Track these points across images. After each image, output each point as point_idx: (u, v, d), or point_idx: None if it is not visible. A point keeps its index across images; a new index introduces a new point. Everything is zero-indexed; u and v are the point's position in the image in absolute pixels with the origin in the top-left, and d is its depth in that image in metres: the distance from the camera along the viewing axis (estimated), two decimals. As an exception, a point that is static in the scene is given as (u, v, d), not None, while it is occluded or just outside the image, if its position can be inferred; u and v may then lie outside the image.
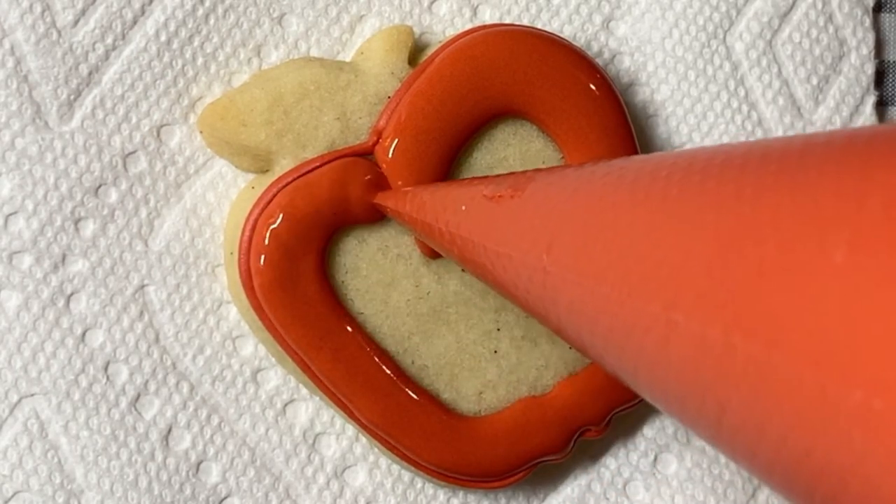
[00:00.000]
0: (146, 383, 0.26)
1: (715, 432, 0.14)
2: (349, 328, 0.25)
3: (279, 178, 0.25)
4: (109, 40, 0.26)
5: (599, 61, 0.28)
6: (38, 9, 0.26)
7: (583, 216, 0.18)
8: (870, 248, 0.12)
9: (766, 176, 0.14)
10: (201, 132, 0.27)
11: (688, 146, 0.29)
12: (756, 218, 0.14)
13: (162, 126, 0.27)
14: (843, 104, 0.30)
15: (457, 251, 0.22)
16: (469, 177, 0.26)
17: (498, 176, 0.22)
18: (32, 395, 0.26)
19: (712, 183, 0.15)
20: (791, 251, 0.13)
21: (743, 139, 0.29)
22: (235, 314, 0.27)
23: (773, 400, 0.13)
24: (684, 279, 0.15)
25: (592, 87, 0.26)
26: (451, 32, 0.28)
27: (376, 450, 0.27)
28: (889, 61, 0.31)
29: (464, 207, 0.22)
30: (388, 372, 0.25)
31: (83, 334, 0.26)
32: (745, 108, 0.29)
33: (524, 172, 0.22)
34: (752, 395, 0.13)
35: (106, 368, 0.26)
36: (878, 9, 0.31)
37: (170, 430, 0.26)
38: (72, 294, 0.26)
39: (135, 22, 0.27)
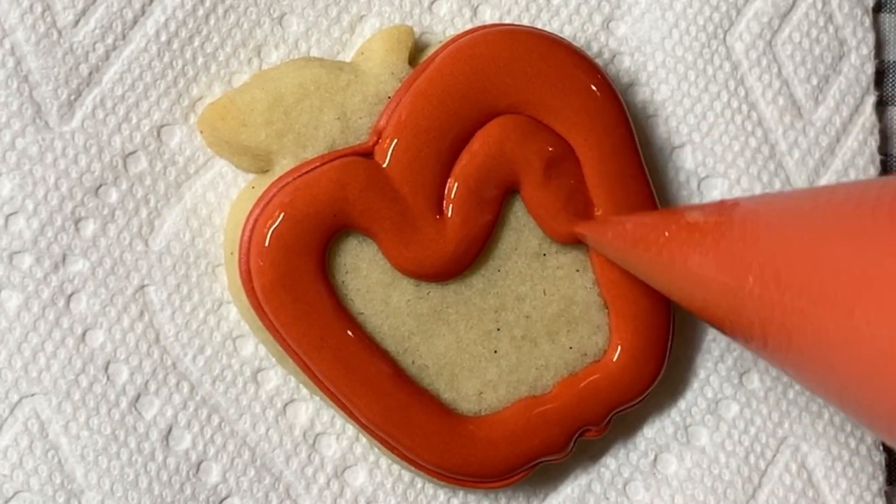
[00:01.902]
0: (146, 383, 0.26)
1: None
2: (349, 328, 0.25)
3: (279, 178, 0.25)
4: (110, 40, 0.26)
5: (599, 61, 0.28)
6: (38, 9, 0.26)
7: (788, 242, 0.19)
8: None
9: None
10: (201, 132, 0.27)
11: (688, 146, 0.29)
12: None
13: (162, 126, 0.27)
14: (843, 104, 0.30)
15: (659, 276, 0.23)
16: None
17: (701, 204, 0.23)
18: (33, 394, 0.26)
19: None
20: None
21: (743, 139, 0.29)
22: (236, 314, 0.27)
23: None
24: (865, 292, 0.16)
25: (592, 87, 0.26)
26: (451, 32, 0.28)
27: (376, 450, 0.27)
28: (889, 61, 0.31)
29: (667, 233, 0.23)
30: (388, 372, 0.25)
31: (83, 334, 0.26)
32: (745, 108, 0.29)
33: (728, 200, 0.23)
34: None
35: (106, 368, 0.26)
36: (878, 9, 0.31)
37: (170, 430, 0.26)
38: (72, 294, 0.26)
39: (135, 22, 0.27)
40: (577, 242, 0.26)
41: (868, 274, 0.17)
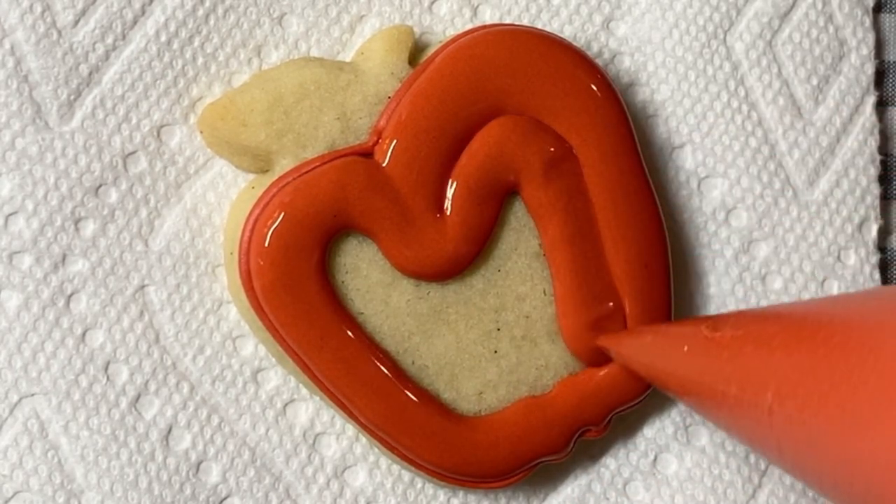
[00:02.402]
0: (146, 383, 0.26)
1: None
2: (349, 328, 0.25)
3: (279, 178, 0.25)
4: (109, 40, 0.26)
5: (599, 61, 0.28)
6: (38, 9, 0.26)
7: (807, 358, 0.19)
8: None
9: None
10: (201, 132, 0.27)
11: (688, 146, 0.29)
12: None
13: (162, 126, 0.27)
14: (843, 104, 0.30)
15: (680, 391, 0.23)
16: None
17: (718, 315, 0.24)
18: (32, 395, 0.26)
19: None
20: None
21: (743, 139, 0.29)
22: (235, 314, 0.27)
23: None
24: None
25: (592, 87, 0.26)
26: (451, 32, 0.28)
27: (376, 450, 0.27)
28: (889, 61, 0.31)
29: (686, 348, 0.23)
30: (388, 372, 0.25)
31: (83, 334, 0.26)
32: (745, 108, 0.29)
33: (744, 312, 0.23)
34: None
35: (106, 368, 0.26)
36: (878, 9, 0.31)
37: (170, 430, 0.26)
38: (72, 294, 0.26)
39: (135, 22, 0.27)
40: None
41: (866, 393, 0.17)
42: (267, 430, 0.27)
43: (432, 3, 0.28)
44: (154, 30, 0.27)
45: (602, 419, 0.27)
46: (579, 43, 0.28)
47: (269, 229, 0.25)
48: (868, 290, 0.22)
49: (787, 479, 0.29)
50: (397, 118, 0.25)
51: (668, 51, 0.29)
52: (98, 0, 0.26)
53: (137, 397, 0.26)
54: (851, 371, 0.17)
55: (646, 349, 0.25)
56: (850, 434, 0.17)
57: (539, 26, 0.28)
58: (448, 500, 0.27)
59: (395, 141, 0.25)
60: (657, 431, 0.29)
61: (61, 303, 0.26)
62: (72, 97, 0.26)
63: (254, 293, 0.25)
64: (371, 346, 0.25)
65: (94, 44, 0.26)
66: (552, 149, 0.26)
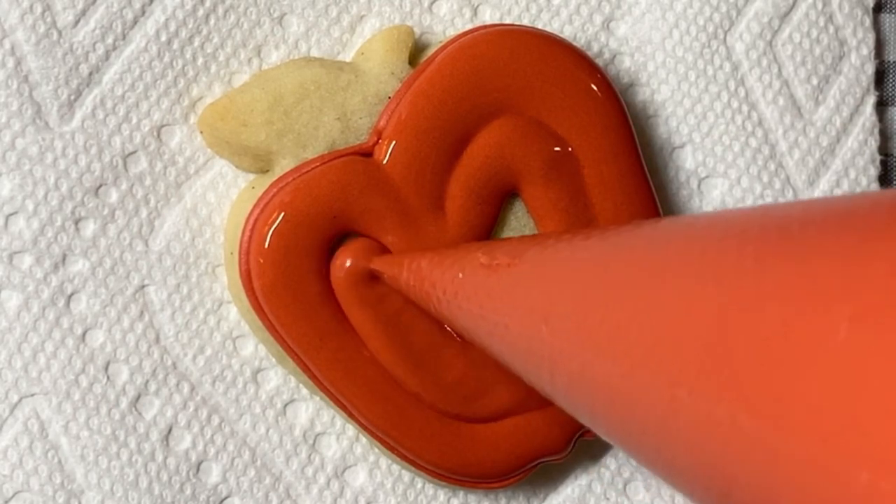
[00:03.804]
0: (146, 383, 0.26)
1: None
2: (349, 328, 0.25)
3: (279, 178, 0.25)
4: (110, 40, 0.26)
5: (600, 61, 0.28)
6: (38, 9, 0.26)
7: (581, 287, 0.18)
8: (873, 323, 0.11)
9: (767, 246, 0.14)
10: (202, 132, 0.27)
11: (688, 146, 0.29)
12: (757, 291, 0.13)
13: (162, 126, 0.27)
14: (844, 104, 0.30)
15: (455, 320, 0.22)
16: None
17: (494, 242, 0.22)
18: (33, 395, 0.26)
19: (712, 253, 0.15)
20: (793, 326, 0.12)
21: (743, 139, 0.29)
22: (236, 314, 0.27)
23: (781, 479, 0.12)
24: (686, 355, 0.14)
25: (593, 87, 0.26)
26: (451, 32, 0.28)
27: (377, 450, 0.27)
28: (889, 61, 0.31)
29: (461, 275, 0.21)
30: (388, 372, 0.25)
31: (83, 334, 0.26)
32: (745, 108, 0.29)
33: (521, 239, 0.21)
34: (759, 473, 0.13)
35: (106, 368, 0.26)
36: (878, 9, 0.31)
37: (170, 431, 0.26)
38: (72, 294, 0.26)
39: (135, 22, 0.27)
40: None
41: (636, 324, 0.15)
42: (267, 430, 0.27)
43: (432, 3, 0.28)
44: (154, 30, 0.27)
45: (602, 419, 0.27)
46: (579, 43, 0.28)
47: (269, 229, 0.25)
48: (651, 220, 0.20)
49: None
50: (397, 118, 0.25)
51: (668, 51, 0.29)
52: (98, 0, 0.26)
53: (137, 397, 0.26)
54: (631, 305, 0.16)
55: (421, 274, 0.23)
56: (626, 372, 0.15)
57: (539, 26, 0.28)
58: (448, 500, 0.27)
59: (395, 141, 0.25)
60: (657, 431, 0.29)
61: (61, 303, 0.26)
62: (72, 97, 0.26)
63: (254, 293, 0.25)
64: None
65: (95, 44, 0.26)
66: (552, 149, 0.26)
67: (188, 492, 0.26)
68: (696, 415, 0.14)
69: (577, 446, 0.27)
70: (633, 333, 0.16)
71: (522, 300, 0.19)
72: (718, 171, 0.29)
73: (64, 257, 0.26)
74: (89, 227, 0.26)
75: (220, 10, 0.27)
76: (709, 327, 0.14)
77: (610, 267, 0.17)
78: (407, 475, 0.27)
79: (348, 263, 0.25)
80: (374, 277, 0.25)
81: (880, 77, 0.31)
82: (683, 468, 0.14)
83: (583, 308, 0.17)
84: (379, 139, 0.25)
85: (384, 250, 0.25)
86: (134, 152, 0.26)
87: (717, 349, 0.13)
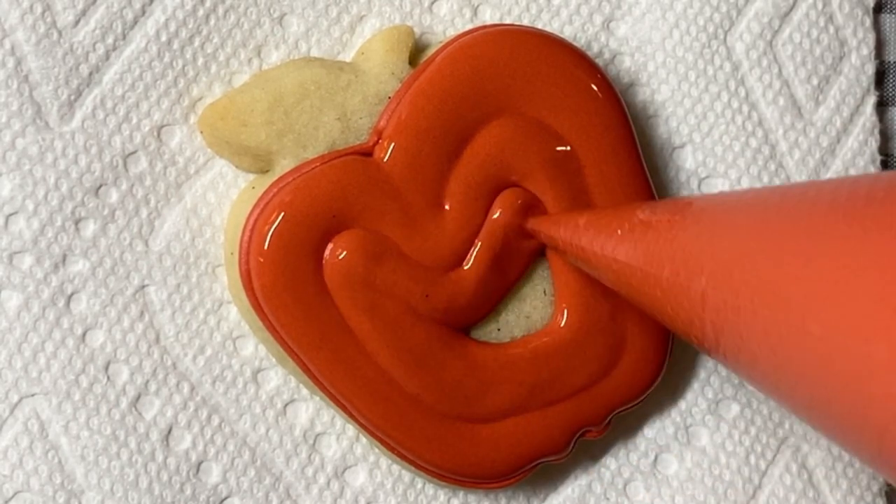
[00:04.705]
0: (146, 383, 0.26)
1: (876, 453, 0.15)
2: (349, 329, 0.25)
3: (279, 178, 0.25)
4: (110, 40, 0.26)
5: (600, 62, 0.28)
6: (38, 9, 0.26)
7: (742, 242, 0.19)
8: None
9: None
10: (202, 132, 0.27)
11: (688, 146, 0.29)
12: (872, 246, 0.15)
13: (162, 126, 0.27)
14: (844, 104, 0.30)
15: (612, 276, 0.23)
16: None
17: (653, 201, 0.23)
18: (33, 395, 0.26)
19: (875, 207, 0.16)
20: None
21: (743, 139, 0.29)
22: (236, 314, 0.27)
23: None
24: (844, 301, 0.16)
25: (593, 87, 0.26)
26: (451, 32, 0.28)
27: (376, 450, 0.27)
28: (889, 61, 0.31)
29: (619, 231, 0.22)
30: (388, 372, 0.25)
31: (84, 334, 0.26)
32: (745, 108, 0.29)
33: (681, 198, 0.22)
34: None
35: (106, 368, 0.26)
36: (878, 9, 0.31)
37: (170, 431, 0.26)
38: (72, 294, 0.26)
39: (135, 22, 0.27)
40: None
41: (821, 277, 0.17)
42: (267, 431, 0.27)
43: (432, 3, 0.28)
44: (154, 30, 0.27)
45: (602, 419, 0.27)
46: (579, 43, 0.28)
47: (269, 229, 0.24)
48: (810, 181, 0.22)
49: (787, 480, 0.29)
50: (397, 118, 0.25)
51: (668, 51, 0.29)
52: (98, 0, 0.26)
53: (138, 397, 0.26)
54: (785, 261, 0.17)
55: (578, 232, 0.24)
56: (783, 324, 0.17)
57: (539, 26, 0.28)
58: (448, 500, 0.27)
59: (395, 141, 0.25)
60: (657, 431, 0.29)
61: (62, 303, 0.26)
62: (72, 97, 0.26)
63: (254, 293, 0.25)
64: (371, 346, 0.25)
65: (95, 44, 0.26)
66: (553, 149, 0.26)
67: (188, 492, 0.26)
68: (850, 357, 0.15)
69: (577, 446, 0.27)
70: (792, 283, 0.17)
71: (681, 254, 0.20)
72: (719, 171, 0.29)
73: (64, 257, 0.26)
74: (89, 228, 0.26)
75: (221, 11, 0.27)
76: (871, 276, 0.16)
77: (770, 225, 0.18)
78: (407, 475, 0.27)
79: (341, 255, 0.25)
80: (371, 276, 0.25)
81: (880, 77, 0.31)
82: (838, 412, 0.16)
83: (742, 262, 0.18)
84: (379, 139, 0.25)
85: (379, 241, 0.25)
86: (134, 152, 0.26)
87: (874, 294, 0.15)
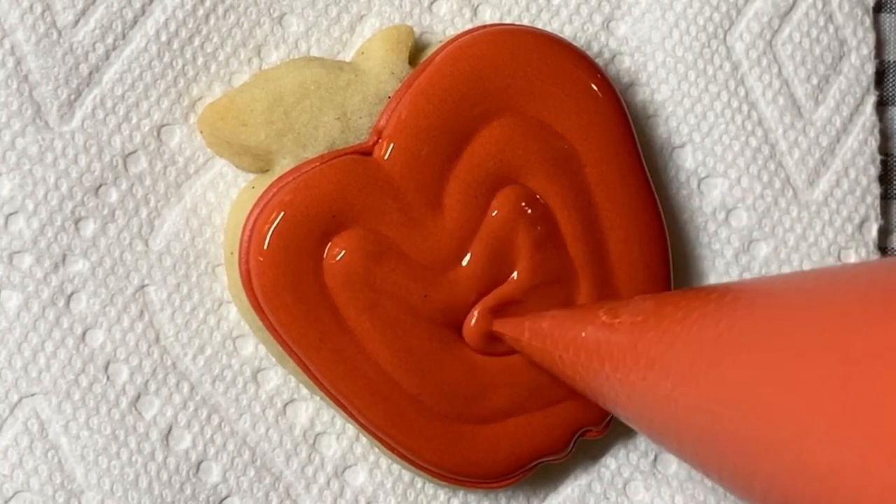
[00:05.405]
0: (146, 383, 0.26)
1: None
2: (349, 328, 0.25)
3: (279, 178, 0.25)
4: (110, 40, 0.26)
5: (599, 61, 0.28)
6: (38, 9, 0.26)
7: (707, 343, 0.18)
8: None
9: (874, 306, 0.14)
10: (202, 132, 0.27)
11: (688, 146, 0.29)
12: (887, 338, 0.13)
13: (162, 126, 0.27)
14: (844, 104, 0.30)
15: (578, 379, 0.22)
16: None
17: (616, 301, 0.22)
18: (33, 394, 0.26)
19: (833, 313, 0.15)
20: None
21: (743, 139, 0.29)
22: (236, 314, 0.27)
23: None
24: (816, 405, 0.14)
25: (593, 86, 0.26)
26: (451, 32, 0.28)
27: (377, 449, 0.27)
28: (889, 61, 0.31)
29: (583, 334, 0.22)
30: (388, 372, 0.25)
31: (83, 334, 0.26)
32: (745, 107, 0.29)
33: (643, 298, 0.22)
34: None
35: (106, 368, 0.26)
36: (878, 9, 0.31)
37: (170, 430, 0.26)
38: (72, 294, 0.26)
39: (135, 22, 0.27)
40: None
41: (764, 377, 0.16)
42: (267, 430, 0.27)
43: (432, 2, 0.28)
44: (154, 29, 0.27)
45: (602, 419, 0.27)
46: (579, 43, 0.28)
47: (269, 229, 0.24)
48: (769, 276, 0.21)
49: (788, 479, 0.29)
50: (397, 118, 0.25)
51: (668, 51, 0.29)
52: (98, 0, 0.26)
53: (137, 397, 0.26)
54: (756, 361, 0.16)
55: (542, 335, 0.24)
56: (754, 424, 0.16)
57: (539, 26, 0.28)
58: (448, 500, 0.27)
59: (394, 140, 0.25)
60: (657, 431, 0.29)
61: (61, 303, 0.26)
62: (72, 97, 0.26)
63: (254, 293, 0.25)
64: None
65: (95, 43, 0.26)
66: (553, 148, 0.26)
67: (188, 491, 0.26)
68: (825, 465, 0.14)
69: (577, 446, 0.27)
70: (763, 386, 0.16)
71: (645, 357, 0.19)
72: (718, 170, 0.29)
73: (64, 257, 0.26)
74: (89, 227, 0.26)
75: (220, 10, 0.27)
76: (838, 376, 0.14)
77: (734, 324, 0.18)
78: (407, 475, 0.27)
79: (341, 254, 0.25)
80: (371, 276, 0.25)
81: (880, 77, 0.31)
82: None
83: (708, 364, 0.17)
84: (379, 139, 0.25)
85: (379, 241, 0.25)
86: (134, 152, 0.26)
87: (847, 397, 0.14)
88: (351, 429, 0.27)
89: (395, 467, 0.27)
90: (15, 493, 0.25)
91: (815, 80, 0.30)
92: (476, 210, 0.26)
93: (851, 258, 0.30)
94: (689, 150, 0.29)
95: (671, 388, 0.18)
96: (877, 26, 0.31)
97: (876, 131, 0.30)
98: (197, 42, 0.27)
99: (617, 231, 0.26)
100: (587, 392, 0.23)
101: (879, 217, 0.30)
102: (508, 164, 0.26)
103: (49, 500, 0.25)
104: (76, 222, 0.26)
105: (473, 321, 0.26)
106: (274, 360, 0.27)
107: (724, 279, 0.29)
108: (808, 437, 0.14)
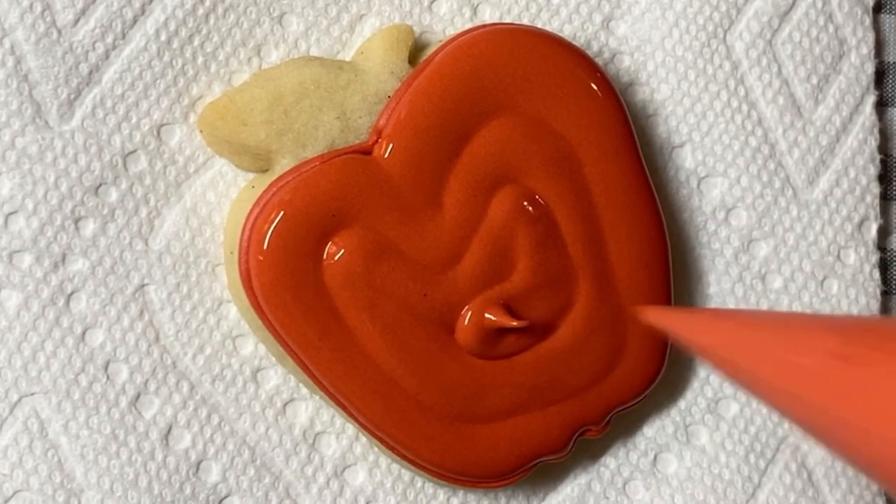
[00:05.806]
0: (146, 382, 0.26)
1: None
2: (349, 328, 0.25)
3: (279, 178, 0.25)
4: (110, 39, 0.26)
5: (599, 61, 0.28)
6: (38, 8, 0.26)
7: None
8: None
9: None
10: (201, 131, 0.27)
11: (687, 145, 0.29)
12: None
13: (162, 125, 0.27)
14: (843, 104, 0.30)
15: (782, 406, 0.19)
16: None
17: (846, 324, 0.20)
18: (32, 394, 0.26)
19: None
20: None
21: (743, 139, 0.29)
22: (235, 313, 0.27)
23: None
24: None
25: (593, 86, 0.26)
26: (451, 32, 0.28)
27: (376, 449, 0.27)
28: (889, 61, 0.31)
29: (798, 360, 0.19)
30: (388, 372, 0.25)
31: (83, 333, 0.26)
32: (745, 107, 0.29)
33: (880, 321, 0.19)
34: None
35: (106, 368, 0.26)
36: (878, 9, 0.31)
37: (170, 430, 0.26)
38: (72, 293, 0.26)
39: (135, 21, 0.27)
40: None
41: None
42: (267, 430, 0.27)
43: (432, 2, 0.28)
44: (154, 29, 0.27)
45: (602, 418, 0.27)
46: (579, 42, 0.28)
47: (268, 228, 0.24)
48: None
49: (787, 479, 0.29)
50: (397, 117, 0.25)
51: (667, 50, 0.29)
52: (98, -1, 0.26)
53: (137, 396, 0.26)
54: None
55: (731, 345, 0.20)
56: None
57: (539, 25, 0.28)
58: (448, 499, 0.27)
59: (394, 140, 0.25)
60: (657, 431, 0.29)
61: (61, 302, 0.26)
62: (72, 96, 0.26)
63: (253, 292, 0.25)
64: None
65: (95, 43, 0.26)
66: (553, 148, 0.26)
67: (188, 491, 0.26)
68: None
69: (576, 445, 0.27)
70: None
71: (890, 401, 0.17)
72: (718, 170, 0.29)
73: (64, 256, 0.26)
74: (89, 227, 0.26)
75: (220, 10, 0.27)
76: None
77: None
78: (407, 474, 0.27)
79: (340, 254, 0.25)
80: (371, 275, 0.25)
81: (880, 77, 0.31)
82: None
83: None
84: (378, 138, 0.25)
85: (378, 240, 0.25)
86: (134, 151, 0.26)
87: None
88: (350, 428, 0.27)
89: (395, 467, 0.27)
90: (15, 493, 0.25)
91: (814, 80, 0.30)
92: (476, 209, 0.26)
93: (851, 257, 0.30)
94: (688, 150, 0.29)
95: None
96: (876, 26, 0.31)
97: (875, 131, 0.30)
98: (197, 41, 0.27)
99: (617, 230, 0.26)
100: (795, 423, 0.20)
101: (879, 217, 0.30)
102: (508, 164, 0.26)
103: (49, 499, 0.25)
104: (76, 222, 0.26)
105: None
106: (274, 359, 0.27)
107: (724, 279, 0.29)
108: None
